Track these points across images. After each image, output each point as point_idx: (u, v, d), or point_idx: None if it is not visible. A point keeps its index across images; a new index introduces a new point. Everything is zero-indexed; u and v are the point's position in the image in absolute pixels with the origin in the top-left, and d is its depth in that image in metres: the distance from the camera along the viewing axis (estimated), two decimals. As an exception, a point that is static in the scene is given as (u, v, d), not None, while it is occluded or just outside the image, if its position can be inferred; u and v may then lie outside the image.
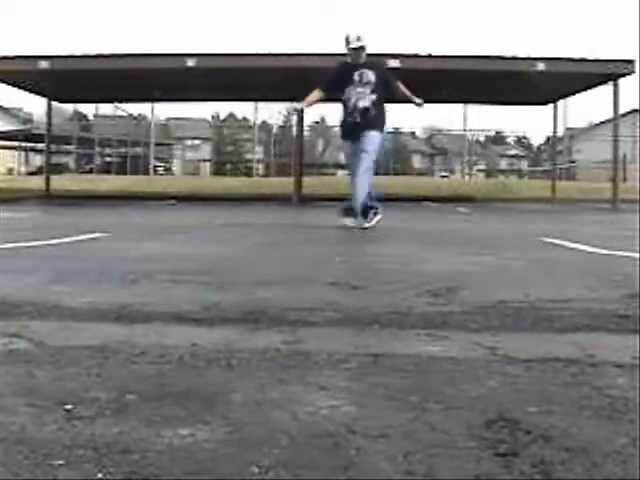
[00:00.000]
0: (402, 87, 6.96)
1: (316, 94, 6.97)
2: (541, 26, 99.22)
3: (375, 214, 6.61)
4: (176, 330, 2.10)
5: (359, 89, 6.74)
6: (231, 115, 57.62)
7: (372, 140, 6.70)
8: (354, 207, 6.63)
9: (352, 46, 6.78)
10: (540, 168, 43.86)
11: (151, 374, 1.61)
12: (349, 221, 6.71)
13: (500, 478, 1.07)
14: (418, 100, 6.99)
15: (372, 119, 6.73)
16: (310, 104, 7.12)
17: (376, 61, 7.12)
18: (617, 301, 2.59)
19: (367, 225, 6.50)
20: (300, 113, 7.12)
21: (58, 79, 13.80)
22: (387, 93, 6.89)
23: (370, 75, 6.76)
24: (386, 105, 6.98)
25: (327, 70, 7.25)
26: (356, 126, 6.71)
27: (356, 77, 6.75)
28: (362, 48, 6.79)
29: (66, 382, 1.55)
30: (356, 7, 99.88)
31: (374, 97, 6.74)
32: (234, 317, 2.27)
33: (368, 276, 3.27)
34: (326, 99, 6.98)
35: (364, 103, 6.71)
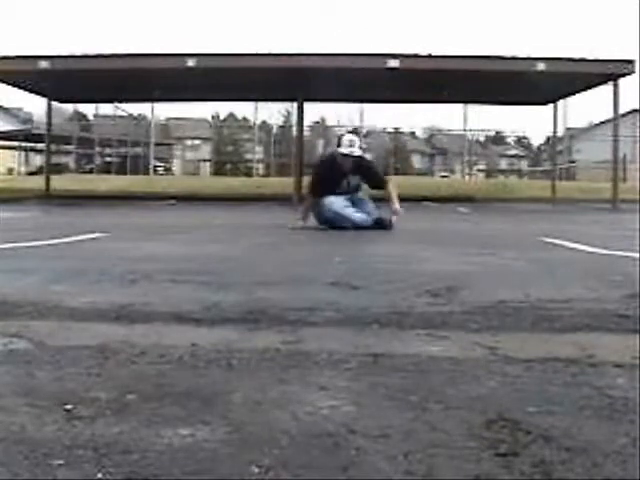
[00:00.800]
0: (390, 188, 6.89)
1: (311, 202, 6.87)
2: (541, 26, 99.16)
3: None
4: (176, 330, 2.10)
5: (345, 196, 6.70)
6: (231, 115, 57.62)
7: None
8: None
9: (343, 152, 6.70)
10: (540, 168, 43.87)
11: (151, 374, 1.61)
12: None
13: (500, 478, 1.07)
14: (398, 207, 6.79)
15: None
16: (308, 211, 6.97)
17: (363, 165, 6.91)
18: (617, 301, 2.59)
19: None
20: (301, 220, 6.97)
21: (58, 79, 13.81)
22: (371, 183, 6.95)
23: (356, 180, 6.79)
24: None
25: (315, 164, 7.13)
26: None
27: (344, 183, 6.73)
28: (351, 155, 6.69)
29: (66, 382, 1.55)
30: (356, 7, 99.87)
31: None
32: (234, 317, 2.27)
33: (368, 276, 3.27)
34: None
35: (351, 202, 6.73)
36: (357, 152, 6.76)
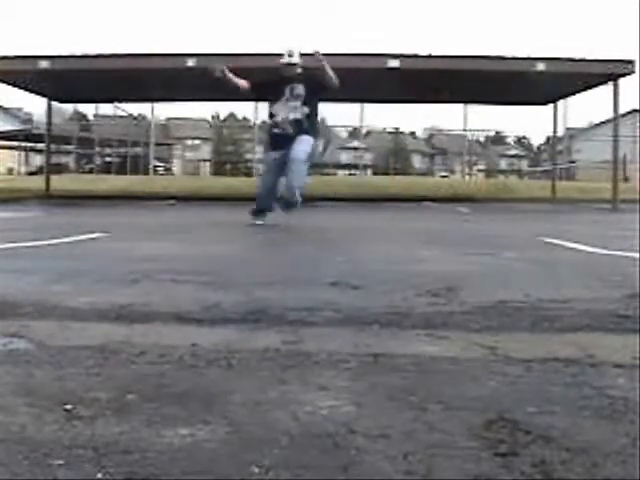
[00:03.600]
0: (329, 78, 6.77)
1: (242, 82, 6.97)
2: (541, 26, 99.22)
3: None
4: (176, 330, 2.10)
5: (291, 102, 6.78)
6: (231, 115, 57.66)
7: (305, 142, 6.70)
8: (290, 198, 6.64)
9: (284, 61, 6.88)
10: (540, 168, 43.87)
11: (151, 374, 1.61)
12: (259, 221, 6.91)
13: (500, 478, 1.07)
14: (332, 76, 6.73)
15: (304, 129, 6.76)
16: (230, 80, 6.98)
17: (309, 75, 6.99)
18: (617, 301, 2.59)
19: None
20: (220, 72, 6.96)
21: (58, 79, 13.79)
22: (320, 96, 6.96)
23: (300, 89, 6.81)
24: (319, 116, 7.09)
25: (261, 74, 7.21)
26: (287, 138, 6.71)
27: (287, 91, 6.80)
28: (293, 65, 6.88)
29: (66, 382, 1.55)
30: (356, 7, 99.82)
31: (306, 110, 6.80)
32: (234, 317, 2.27)
33: (368, 276, 3.27)
34: (251, 98, 7.04)
35: (295, 115, 6.77)
36: (297, 60, 6.87)
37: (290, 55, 6.90)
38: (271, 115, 7.02)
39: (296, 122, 6.76)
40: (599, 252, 4.47)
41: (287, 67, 6.91)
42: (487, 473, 1.08)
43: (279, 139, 6.82)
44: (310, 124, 6.84)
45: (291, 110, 6.79)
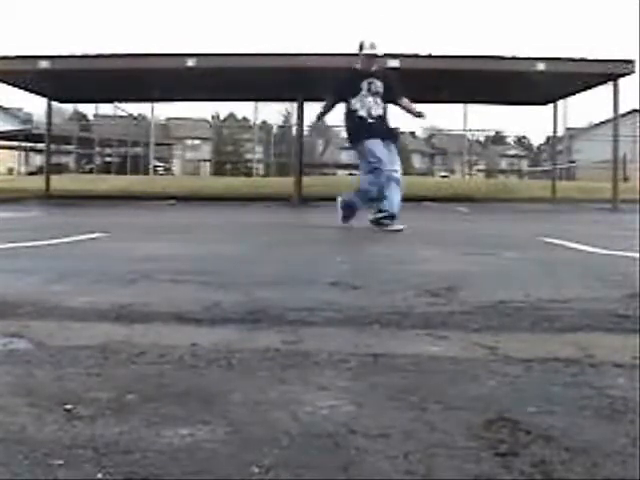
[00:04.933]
0: (406, 101, 6.90)
1: (328, 104, 6.91)
2: (541, 26, 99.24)
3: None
4: (176, 330, 2.10)
5: (371, 97, 6.67)
6: (231, 115, 57.64)
7: (396, 153, 6.76)
8: (391, 211, 6.55)
9: (366, 52, 6.70)
10: (540, 168, 43.86)
11: (151, 374, 1.61)
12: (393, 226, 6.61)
13: (500, 478, 1.07)
14: (415, 110, 6.94)
15: (388, 126, 6.73)
16: (324, 115, 7.09)
17: (388, 73, 7.02)
18: (617, 301, 2.59)
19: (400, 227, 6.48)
20: (314, 127, 7.15)
21: (58, 79, 13.80)
22: (390, 101, 6.86)
23: (379, 86, 6.71)
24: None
25: (334, 77, 7.14)
26: (381, 131, 6.64)
27: (364, 86, 6.67)
28: (374, 56, 6.73)
29: (66, 382, 1.55)
30: (356, 7, 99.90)
31: (385, 106, 6.74)
32: (234, 317, 2.27)
33: (368, 276, 3.27)
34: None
35: (378, 112, 6.68)
36: (380, 52, 6.76)
37: (372, 47, 6.69)
38: (351, 110, 6.72)
39: (380, 117, 6.68)
40: (599, 252, 4.47)
41: (367, 58, 6.70)
42: (487, 473, 1.08)
43: (371, 130, 6.63)
44: (389, 122, 6.79)
45: (374, 105, 6.67)
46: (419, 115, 6.99)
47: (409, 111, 6.94)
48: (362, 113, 6.66)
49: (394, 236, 6.08)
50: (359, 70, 6.78)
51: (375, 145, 6.57)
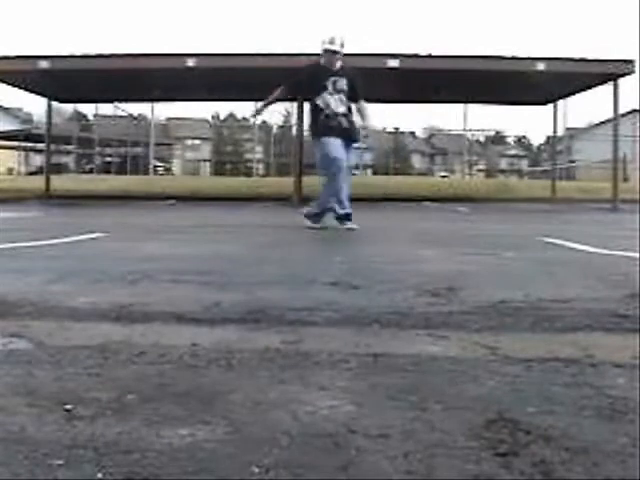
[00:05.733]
0: (364, 105, 6.85)
1: (278, 93, 6.93)
2: (541, 26, 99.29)
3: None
4: (176, 330, 2.09)
5: (337, 95, 6.65)
6: (231, 115, 57.67)
7: (352, 153, 6.70)
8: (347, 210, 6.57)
9: (325, 47, 6.66)
10: (540, 168, 43.88)
11: (151, 374, 1.61)
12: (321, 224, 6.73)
13: (500, 478, 1.07)
14: (364, 131, 6.90)
15: (352, 125, 6.70)
16: (270, 103, 7.10)
17: (352, 71, 6.90)
18: (617, 301, 2.59)
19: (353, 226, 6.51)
20: (259, 113, 7.11)
21: (58, 79, 13.79)
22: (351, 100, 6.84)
23: (344, 84, 6.68)
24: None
25: (299, 70, 7.10)
26: (344, 130, 6.61)
27: (329, 84, 6.64)
28: (335, 52, 6.66)
29: (66, 382, 1.55)
30: (356, 7, 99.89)
31: (350, 104, 6.72)
32: (234, 317, 2.27)
33: (368, 276, 3.27)
34: (288, 99, 6.94)
35: (343, 109, 6.66)
36: (339, 49, 6.68)
37: (332, 42, 6.66)
38: (317, 107, 6.74)
39: (345, 115, 6.66)
40: (599, 252, 4.47)
41: (328, 54, 6.68)
42: (487, 473, 1.08)
43: (332, 129, 6.61)
44: (353, 122, 6.75)
45: (339, 103, 6.65)
46: (364, 131, 6.95)
47: (362, 117, 6.88)
48: (326, 111, 6.66)
49: (394, 236, 6.08)
50: (324, 66, 6.74)
51: (333, 144, 6.61)
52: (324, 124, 6.68)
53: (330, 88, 6.65)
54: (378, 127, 50.04)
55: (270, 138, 42.48)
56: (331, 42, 6.65)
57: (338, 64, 6.74)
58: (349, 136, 6.66)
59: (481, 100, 18.26)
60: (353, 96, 6.76)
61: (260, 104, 7.25)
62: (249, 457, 1.13)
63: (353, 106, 6.81)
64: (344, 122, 6.65)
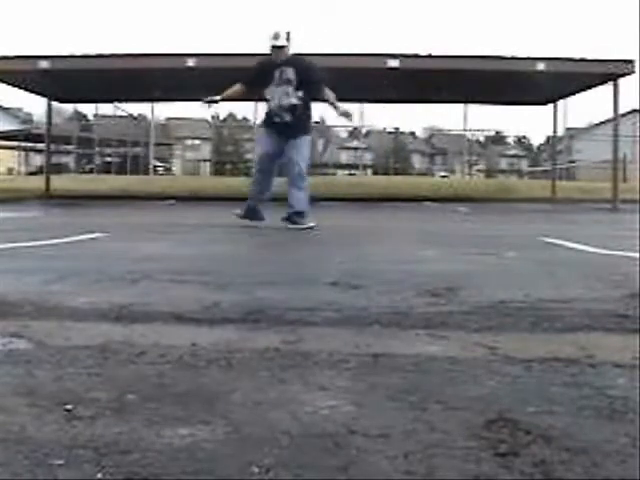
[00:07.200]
0: (327, 91, 6.73)
1: (236, 89, 6.93)
2: (541, 26, 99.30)
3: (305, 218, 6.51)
4: (176, 330, 2.09)
5: (282, 87, 6.60)
6: (231, 115, 57.66)
7: (303, 146, 6.58)
8: (297, 208, 6.51)
9: (271, 44, 6.67)
10: (540, 168, 43.87)
11: (151, 374, 1.61)
12: (255, 222, 6.74)
13: (500, 478, 1.07)
14: (340, 108, 6.80)
15: (300, 118, 6.59)
16: (226, 98, 7.04)
17: (299, 59, 6.85)
18: (617, 301, 2.59)
19: (306, 225, 6.41)
20: (212, 103, 7.10)
21: (58, 79, 13.79)
22: (311, 92, 6.73)
23: (290, 73, 6.60)
24: (311, 104, 6.85)
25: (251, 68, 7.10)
26: (285, 125, 6.55)
27: (276, 75, 6.61)
28: (280, 47, 6.65)
29: (66, 382, 1.55)
30: (356, 7, 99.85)
31: (300, 94, 6.60)
32: (234, 317, 2.27)
33: (368, 276, 3.26)
34: (247, 98, 6.88)
35: (289, 100, 6.58)
36: (285, 42, 6.65)
37: (276, 37, 6.65)
38: (267, 100, 6.81)
39: (292, 107, 6.58)
40: (599, 252, 4.47)
41: (275, 50, 6.68)
42: (487, 473, 1.08)
43: (276, 125, 6.61)
44: (303, 112, 6.65)
45: (284, 95, 6.59)
46: (344, 114, 6.89)
47: (333, 106, 6.77)
48: (270, 103, 6.66)
49: (394, 236, 6.08)
50: (272, 60, 6.72)
51: (265, 140, 6.67)
52: (267, 117, 6.72)
53: (277, 79, 6.62)
54: (378, 127, 50.11)
55: (270, 138, 42.41)
56: (275, 37, 6.64)
57: (285, 57, 6.70)
58: (292, 132, 6.54)
59: (481, 100, 18.25)
60: (307, 85, 6.65)
61: (208, 98, 7.19)
62: (249, 457, 1.13)
63: (322, 101, 6.75)
64: (286, 116, 6.58)
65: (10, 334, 2.00)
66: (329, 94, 6.71)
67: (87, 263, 3.81)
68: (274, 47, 6.66)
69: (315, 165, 41.48)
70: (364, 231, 6.45)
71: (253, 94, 6.85)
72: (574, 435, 1.23)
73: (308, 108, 6.75)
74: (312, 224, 6.41)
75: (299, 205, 6.52)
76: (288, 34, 6.73)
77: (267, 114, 6.78)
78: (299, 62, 6.78)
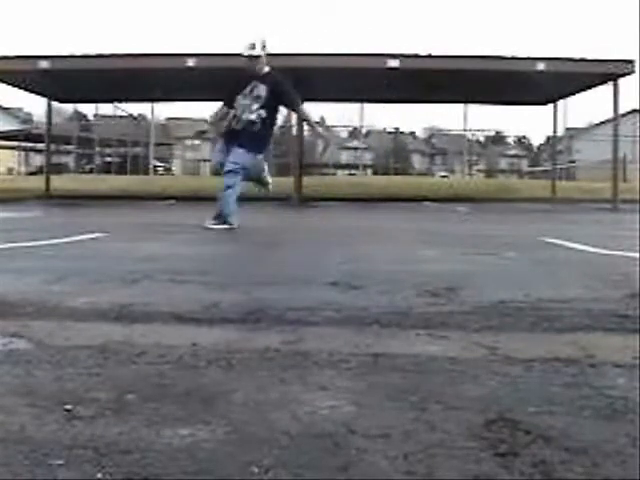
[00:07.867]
0: (305, 112, 6.71)
1: (219, 111, 6.76)
2: (541, 26, 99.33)
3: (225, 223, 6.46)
4: (176, 330, 2.10)
5: (247, 101, 6.45)
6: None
7: (246, 155, 6.47)
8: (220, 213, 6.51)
9: (247, 53, 6.47)
10: (540, 168, 43.87)
11: (151, 374, 1.61)
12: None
13: (500, 478, 1.07)
14: (317, 130, 6.85)
15: (254, 136, 6.46)
16: (214, 122, 6.99)
17: (275, 77, 6.57)
18: (617, 301, 2.59)
19: (212, 226, 6.39)
20: (209, 130, 7.17)
21: (58, 79, 13.79)
22: (285, 108, 6.72)
23: (262, 90, 6.45)
24: (273, 127, 6.80)
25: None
26: (236, 134, 6.47)
27: (248, 88, 6.46)
28: (256, 57, 6.45)
29: (66, 382, 1.55)
30: (356, 7, 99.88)
31: (262, 113, 6.46)
32: (234, 317, 2.27)
33: (368, 276, 3.26)
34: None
35: (248, 116, 6.45)
36: (260, 52, 6.48)
37: (252, 47, 6.46)
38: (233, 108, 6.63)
39: (249, 124, 6.45)
40: (599, 252, 4.47)
41: (250, 61, 6.47)
42: (487, 473, 1.08)
43: (230, 133, 6.54)
44: (260, 130, 6.50)
45: (246, 108, 6.45)
46: (322, 138, 7.09)
47: (310, 126, 6.81)
48: (235, 112, 6.53)
49: (394, 236, 6.08)
50: (249, 72, 6.55)
51: (216, 149, 6.71)
52: (228, 125, 6.62)
53: (247, 92, 6.48)
54: (378, 127, 50.06)
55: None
56: (252, 47, 6.47)
57: (265, 69, 6.54)
58: (242, 144, 6.45)
59: (481, 100, 18.25)
60: (280, 103, 6.60)
61: (209, 122, 7.23)
62: (249, 457, 1.13)
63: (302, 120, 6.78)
64: (241, 130, 6.47)
65: (10, 334, 2.00)
66: (308, 115, 6.77)
67: (87, 263, 3.81)
68: (250, 57, 6.46)
69: (315, 165, 41.49)
70: (364, 231, 6.45)
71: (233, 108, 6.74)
72: (574, 435, 1.23)
73: (267, 129, 6.62)
74: (231, 226, 6.39)
75: (221, 206, 6.53)
76: (264, 43, 6.56)
77: (229, 121, 6.62)
78: (275, 81, 6.55)
